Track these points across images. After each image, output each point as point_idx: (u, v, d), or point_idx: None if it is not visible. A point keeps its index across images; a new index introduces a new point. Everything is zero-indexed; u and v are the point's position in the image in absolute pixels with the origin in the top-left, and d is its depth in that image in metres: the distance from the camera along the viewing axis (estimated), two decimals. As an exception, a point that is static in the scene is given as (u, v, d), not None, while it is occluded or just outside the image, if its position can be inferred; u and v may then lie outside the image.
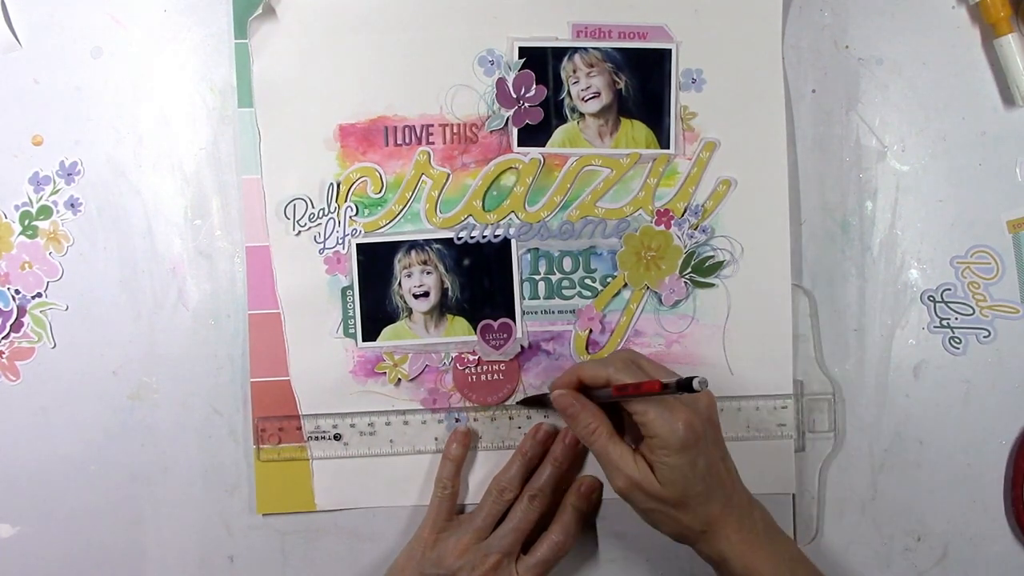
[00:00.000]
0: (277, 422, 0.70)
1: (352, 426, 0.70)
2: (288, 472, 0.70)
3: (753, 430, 0.70)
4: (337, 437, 0.70)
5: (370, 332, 0.70)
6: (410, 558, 0.67)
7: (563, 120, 0.70)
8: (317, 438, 0.70)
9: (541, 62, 0.69)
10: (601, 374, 0.63)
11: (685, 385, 0.56)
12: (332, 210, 0.69)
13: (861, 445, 0.71)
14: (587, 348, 0.70)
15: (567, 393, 0.64)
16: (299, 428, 0.70)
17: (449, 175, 0.70)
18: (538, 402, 0.70)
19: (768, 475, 0.70)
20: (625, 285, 0.70)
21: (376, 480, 0.70)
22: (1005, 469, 0.71)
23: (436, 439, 0.70)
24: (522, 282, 0.70)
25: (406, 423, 0.70)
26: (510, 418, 0.70)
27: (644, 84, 0.69)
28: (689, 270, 0.70)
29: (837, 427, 0.71)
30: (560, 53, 0.69)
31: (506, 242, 0.70)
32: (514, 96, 0.69)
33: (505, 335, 0.70)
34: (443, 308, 0.70)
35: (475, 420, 0.70)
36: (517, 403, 0.70)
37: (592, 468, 0.70)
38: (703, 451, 0.60)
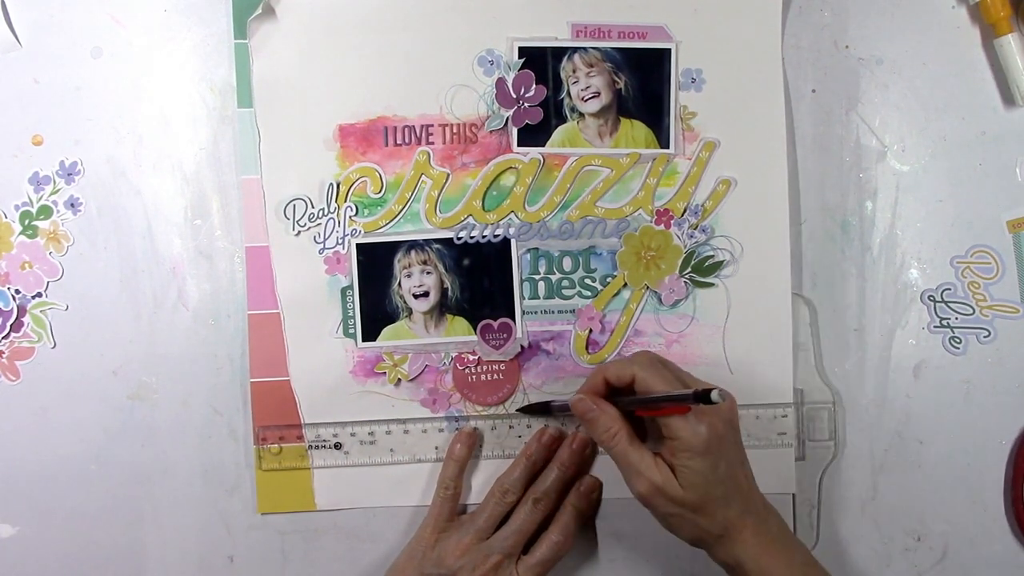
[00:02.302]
0: (278, 431, 0.70)
1: (352, 435, 0.70)
2: (289, 476, 0.70)
3: (753, 438, 0.70)
4: (337, 446, 0.70)
5: (370, 332, 0.70)
6: (411, 558, 0.67)
7: (563, 120, 0.70)
8: (317, 447, 0.70)
9: (541, 62, 0.69)
10: (626, 372, 0.63)
11: (703, 396, 0.57)
12: (332, 210, 0.69)
13: (861, 445, 0.71)
14: (587, 348, 0.70)
15: (586, 398, 0.64)
16: (300, 437, 0.70)
17: (449, 175, 0.70)
18: (538, 410, 0.70)
19: (769, 483, 0.69)
20: (625, 285, 0.70)
21: (376, 481, 0.70)
22: (1005, 469, 0.71)
23: (436, 448, 0.70)
24: (522, 282, 0.70)
25: (406, 432, 0.70)
26: (510, 427, 0.70)
27: (644, 84, 0.69)
28: (689, 270, 0.70)
29: (837, 436, 0.71)
30: (560, 53, 0.69)
31: (506, 242, 0.70)
32: (514, 96, 0.69)
33: (505, 335, 0.70)
34: (443, 308, 0.70)
35: (475, 429, 0.70)
36: (516, 410, 0.70)
37: (599, 472, 0.70)
38: (724, 454, 0.60)
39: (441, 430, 0.70)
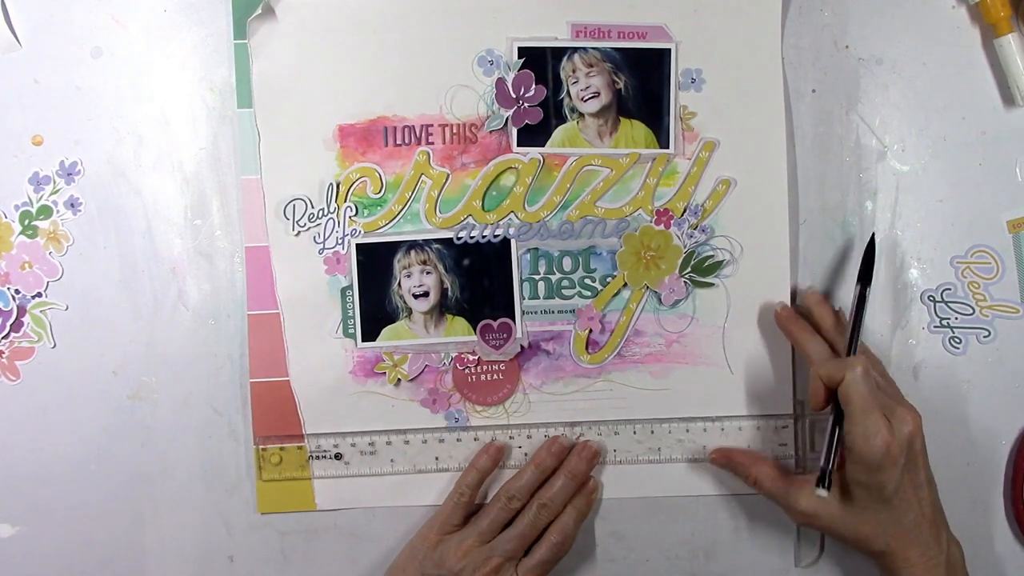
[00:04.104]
0: (278, 441, 0.70)
1: (353, 445, 0.70)
2: (289, 485, 0.70)
3: (756, 449, 0.70)
4: (338, 456, 0.70)
5: (370, 332, 0.70)
6: (412, 558, 0.67)
7: (562, 120, 0.70)
8: (318, 457, 0.70)
9: (540, 62, 0.69)
10: (837, 376, 0.63)
11: (820, 480, 0.62)
12: (332, 210, 0.69)
13: (861, 445, 0.71)
14: (587, 348, 0.70)
15: (722, 452, 0.69)
16: (300, 447, 0.70)
17: (449, 175, 0.70)
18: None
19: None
20: (625, 285, 0.70)
21: (376, 482, 0.70)
22: (1005, 469, 0.71)
23: (436, 459, 0.70)
24: (522, 282, 0.70)
25: (407, 442, 0.70)
26: (510, 437, 0.71)
27: (643, 84, 0.69)
28: (689, 270, 0.70)
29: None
30: (559, 53, 0.69)
31: (506, 242, 0.70)
32: (513, 96, 0.69)
33: (505, 335, 0.70)
34: (443, 308, 0.70)
35: (476, 439, 0.70)
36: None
37: (608, 482, 0.70)
38: (895, 475, 0.61)
39: (442, 440, 0.70)
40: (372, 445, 0.70)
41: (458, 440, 0.70)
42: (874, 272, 0.68)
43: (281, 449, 0.70)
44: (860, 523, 0.63)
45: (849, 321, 0.67)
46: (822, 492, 0.62)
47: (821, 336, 0.67)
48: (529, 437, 0.71)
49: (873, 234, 0.69)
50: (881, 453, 0.60)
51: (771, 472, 0.67)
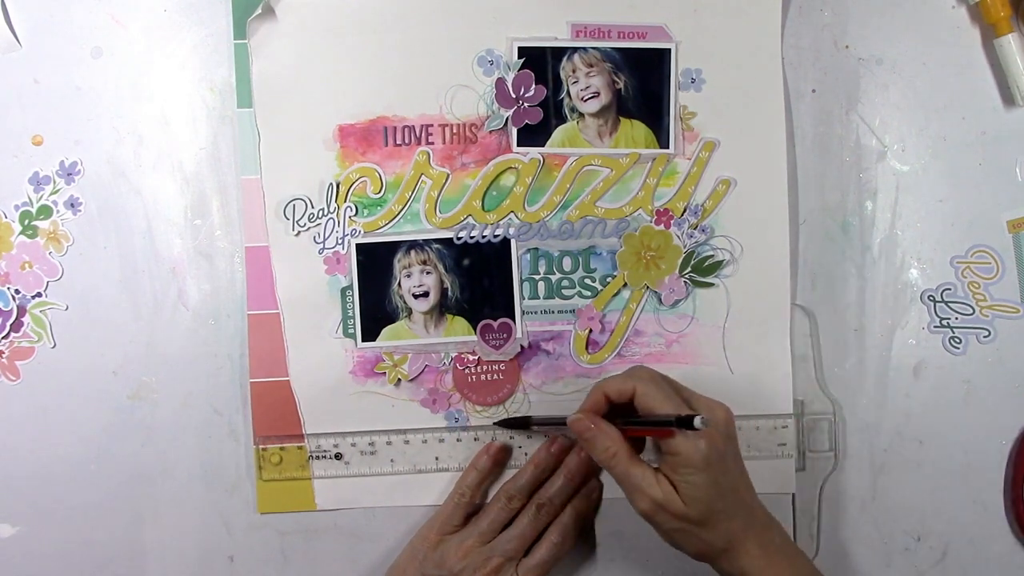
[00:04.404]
0: (278, 441, 0.70)
1: (353, 445, 0.70)
2: (289, 485, 0.70)
3: (754, 449, 0.70)
4: (338, 456, 0.70)
5: (370, 332, 0.70)
6: (412, 558, 0.67)
7: (562, 120, 0.70)
8: (318, 457, 0.70)
9: (540, 62, 0.69)
10: (627, 388, 0.62)
11: (686, 422, 0.57)
12: (332, 210, 0.69)
13: (861, 445, 0.71)
14: (587, 348, 0.70)
15: (583, 417, 0.63)
16: (300, 447, 0.70)
17: (448, 175, 0.70)
18: (518, 424, 0.70)
19: (769, 493, 0.69)
20: (625, 285, 0.70)
21: (376, 482, 0.70)
22: (1005, 469, 0.71)
23: (436, 459, 0.70)
24: (522, 282, 0.70)
25: (407, 442, 0.70)
26: (510, 437, 0.70)
27: (643, 84, 0.69)
28: (689, 270, 0.70)
29: (837, 447, 0.71)
30: (559, 53, 0.69)
31: (506, 242, 0.70)
32: (513, 96, 0.69)
33: (505, 335, 0.70)
34: (443, 308, 0.70)
35: (476, 439, 0.70)
36: (495, 423, 0.70)
37: (607, 482, 0.70)
38: (725, 468, 0.60)
39: (442, 440, 0.70)
40: (372, 445, 0.70)
41: (458, 440, 0.70)
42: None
43: (281, 449, 0.70)
44: (704, 520, 0.59)
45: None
46: (700, 422, 0.57)
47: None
48: (529, 437, 0.70)
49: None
50: (706, 449, 0.58)
51: (630, 451, 0.62)
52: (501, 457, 0.69)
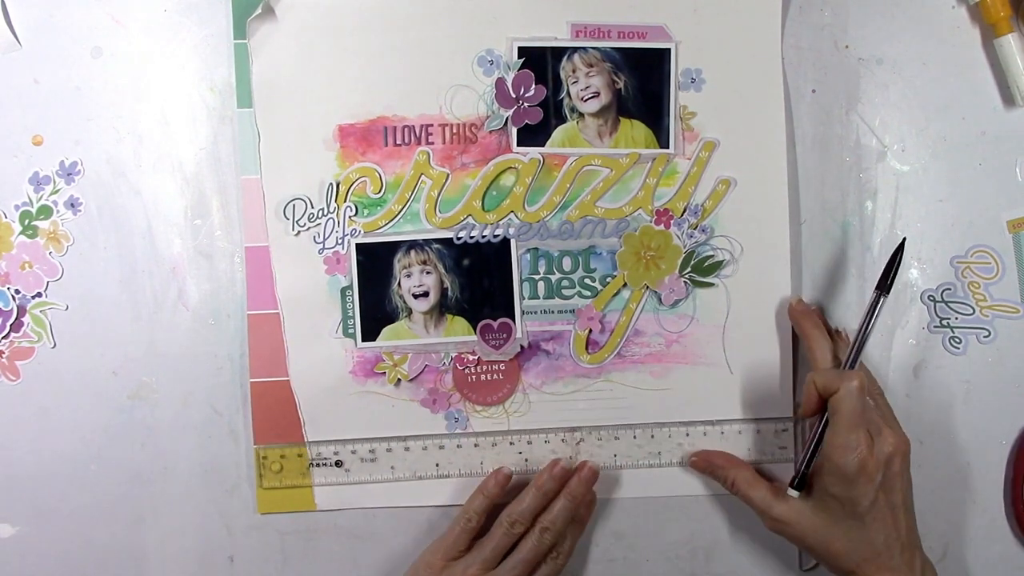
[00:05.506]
0: (279, 449, 0.70)
1: (353, 452, 0.70)
2: (290, 492, 0.70)
3: (755, 452, 0.70)
4: (338, 464, 0.70)
5: (369, 332, 0.70)
6: None
7: (562, 120, 0.70)
8: (319, 464, 0.70)
9: (540, 62, 0.69)
10: (833, 386, 0.62)
11: (794, 483, 0.64)
12: (331, 210, 0.69)
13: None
14: (587, 348, 0.70)
15: (697, 461, 0.69)
16: (301, 455, 0.70)
17: (448, 175, 0.70)
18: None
19: None
20: (625, 285, 0.70)
21: (377, 488, 0.70)
22: (1005, 469, 0.71)
23: (437, 465, 0.70)
24: (522, 282, 0.70)
25: (407, 449, 0.70)
26: (511, 443, 0.70)
27: (643, 84, 0.69)
28: (689, 270, 0.70)
29: None
30: (559, 53, 0.69)
31: (506, 242, 0.70)
32: (513, 96, 0.69)
33: (505, 335, 0.70)
34: (443, 308, 0.70)
35: (476, 446, 0.70)
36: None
37: (608, 482, 0.70)
38: (869, 493, 0.60)
39: (442, 447, 0.70)
40: (372, 452, 0.70)
41: (458, 446, 0.70)
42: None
43: (282, 457, 0.70)
44: (832, 538, 0.62)
45: (859, 330, 0.66)
46: (793, 492, 0.63)
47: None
48: (529, 443, 0.70)
49: (904, 239, 0.67)
50: (856, 467, 0.60)
51: (748, 476, 0.67)
52: (508, 483, 0.69)
